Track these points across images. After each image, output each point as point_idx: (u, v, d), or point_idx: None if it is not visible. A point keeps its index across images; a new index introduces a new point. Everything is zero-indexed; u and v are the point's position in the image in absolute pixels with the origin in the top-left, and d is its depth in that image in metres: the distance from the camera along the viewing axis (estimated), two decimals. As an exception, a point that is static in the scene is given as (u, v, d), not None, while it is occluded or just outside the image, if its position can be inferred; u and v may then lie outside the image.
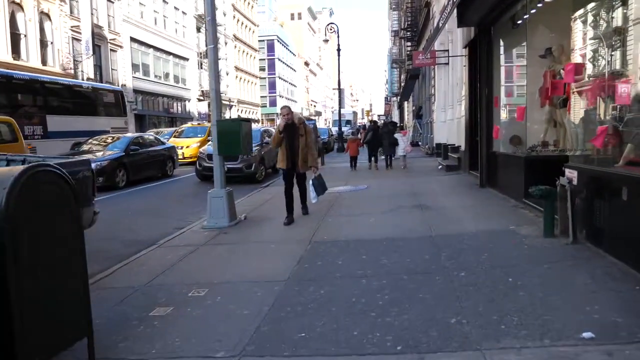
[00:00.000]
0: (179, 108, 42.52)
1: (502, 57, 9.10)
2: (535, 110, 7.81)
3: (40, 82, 14.43)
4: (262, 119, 68.35)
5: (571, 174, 5.20)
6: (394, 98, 57.55)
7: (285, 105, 8.29)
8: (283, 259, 5.38)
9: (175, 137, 18.98)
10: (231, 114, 52.57)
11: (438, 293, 3.95)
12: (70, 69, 28.47)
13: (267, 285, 4.50)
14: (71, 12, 28.44)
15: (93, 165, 11.12)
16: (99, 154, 11.80)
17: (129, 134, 14.08)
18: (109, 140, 12.83)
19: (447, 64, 17.04)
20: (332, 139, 26.52)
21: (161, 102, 39.35)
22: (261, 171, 13.65)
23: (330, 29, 24.47)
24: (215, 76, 7.45)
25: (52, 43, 27.46)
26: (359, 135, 18.92)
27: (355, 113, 60.79)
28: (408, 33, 23.46)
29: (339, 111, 25.72)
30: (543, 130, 7.92)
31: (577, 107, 6.78)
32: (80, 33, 28.53)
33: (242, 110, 56.29)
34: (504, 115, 9.27)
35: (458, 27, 10.08)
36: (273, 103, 71.54)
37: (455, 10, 8.98)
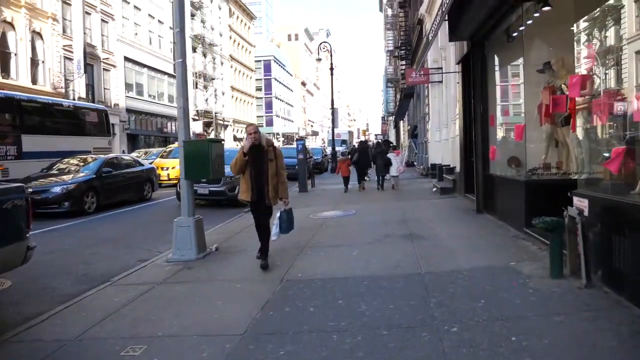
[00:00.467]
0: (174, 128, 41.97)
1: (497, 73, 8.42)
2: (535, 129, 7.09)
3: (17, 100, 13.70)
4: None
5: (581, 203, 4.43)
6: (390, 117, 57.12)
7: (251, 123, 7.28)
8: (246, 303, 4.56)
9: (162, 157, 18.18)
10: (226, 134, 52.07)
11: (423, 357, 3.13)
12: (61, 87, 27.94)
13: (219, 340, 3.68)
14: (64, 31, 28.04)
15: (58, 188, 10.54)
16: (69, 176, 11.00)
17: (105, 155, 13.26)
18: (84, 162, 12.03)
19: (441, 81, 16.46)
20: (326, 159, 25.83)
21: (155, 121, 38.82)
22: (246, 193, 12.86)
23: (324, 48, 24.00)
24: (183, 92, 6.72)
25: (43, 62, 26.99)
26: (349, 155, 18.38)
27: (351, 132, 60.07)
28: (402, 51, 23.00)
29: (332, 130, 25.02)
30: (544, 150, 7.21)
31: (582, 125, 6.07)
32: (72, 52, 28.07)
33: (237, 130, 55.80)
34: (500, 134, 8.55)
35: (450, 41, 9.44)
36: (270, 123, 71.27)
37: (446, 24, 8.34)
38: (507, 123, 8.59)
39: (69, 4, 28.13)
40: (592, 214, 4.24)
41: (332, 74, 23.86)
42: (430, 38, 10.18)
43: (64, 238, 8.58)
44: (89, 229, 9.48)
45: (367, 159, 15.82)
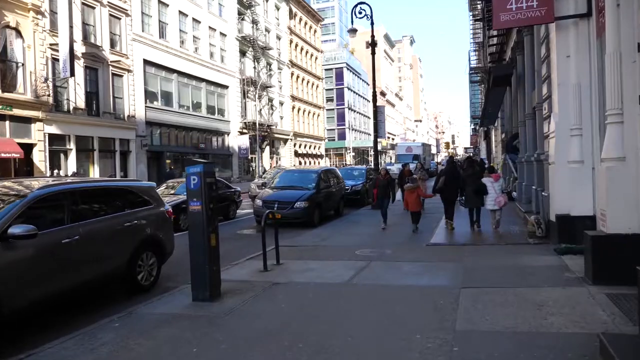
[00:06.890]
0: (217, 143, 34.80)
1: None
2: None
3: None
4: (330, 154, 59.13)
5: None
6: (480, 127, 44.44)
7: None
8: None
9: None
10: (285, 149, 44.06)
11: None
12: (47, 95, 21.64)
13: None
14: (52, 27, 21.81)
15: None
16: None
17: None
18: None
19: (588, 14, 6.12)
20: (367, 186, 15.82)
21: (189, 136, 31.80)
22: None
23: (359, 12, 14.43)
24: None
25: (22, 65, 20.91)
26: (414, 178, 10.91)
27: (425, 145, 46.14)
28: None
29: (375, 138, 14.97)
30: None
31: None
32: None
33: (299, 145, 47.52)
34: None
35: None
36: (342, 136, 62.20)
37: None
38: None
39: (57, -8, 21.87)
40: None
41: (373, 53, 14.13)
42: None
43: None
44: None
45: (457, 185, 10.38)
